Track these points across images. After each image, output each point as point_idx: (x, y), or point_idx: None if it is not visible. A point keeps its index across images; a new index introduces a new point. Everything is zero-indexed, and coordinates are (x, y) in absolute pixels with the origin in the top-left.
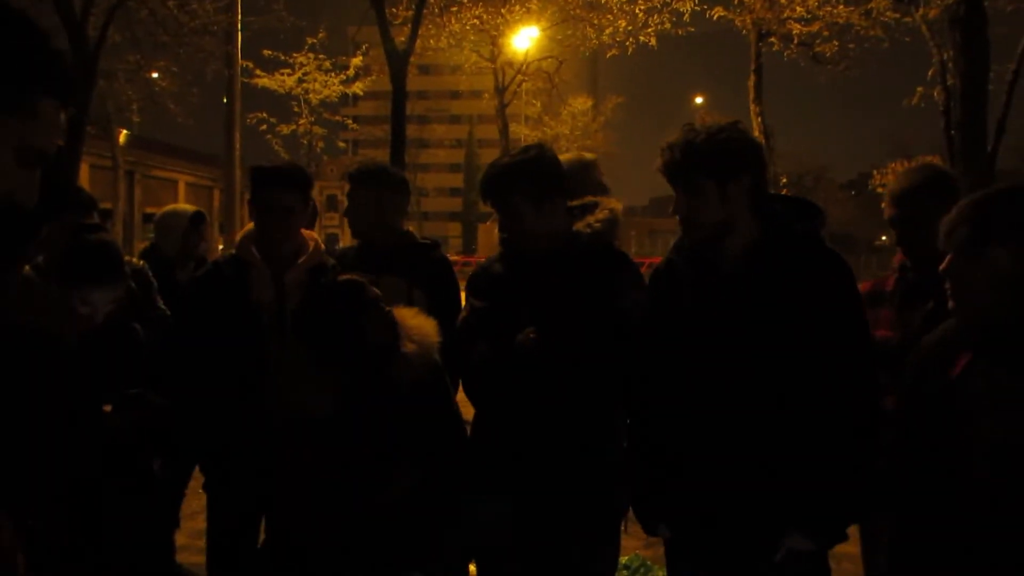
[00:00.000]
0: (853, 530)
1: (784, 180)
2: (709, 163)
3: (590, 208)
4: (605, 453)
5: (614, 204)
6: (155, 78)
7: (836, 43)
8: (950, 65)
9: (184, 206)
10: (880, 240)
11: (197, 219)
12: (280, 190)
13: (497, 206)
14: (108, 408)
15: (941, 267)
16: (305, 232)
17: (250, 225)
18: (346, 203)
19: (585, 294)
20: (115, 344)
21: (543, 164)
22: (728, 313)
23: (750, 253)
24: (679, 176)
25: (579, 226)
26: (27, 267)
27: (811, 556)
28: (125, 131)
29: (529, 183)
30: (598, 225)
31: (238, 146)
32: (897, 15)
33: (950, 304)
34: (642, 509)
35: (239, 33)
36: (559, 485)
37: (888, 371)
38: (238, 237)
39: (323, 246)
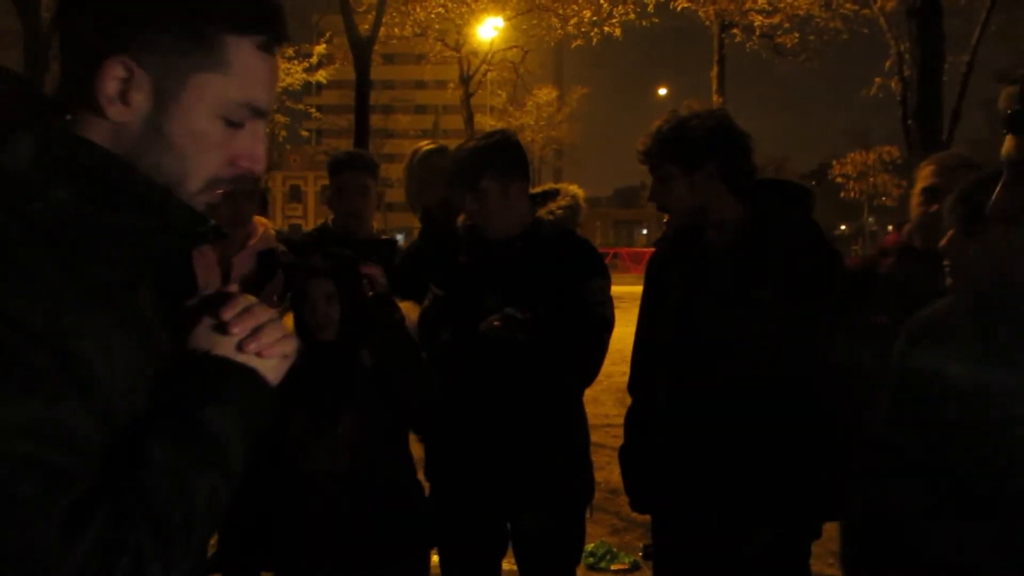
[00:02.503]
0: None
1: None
2: (673, 150)
3: (551, 195)
4: (569, 438)
5: (575, 191)
6: None
7: (797, 35)
8: (907, 56)
9: None
10: (840, 229)
11: None
12: None
13: (465, 189)
14: None
15: (941, 243)
16: (257, 218)
17: None
18: (310, 193)
19: (548, 281)
20: None
21: (509, 148)
22: (713, 301)
23: (737, 240)
24: (649, 163)
25: (541, 213)
26: None
27: (785, 548)
28: None
29: (496, 166)
30: (560, 212)
31: None
32: (856, 7)
33: (948, 282)
34: (632, 493)
35: None
36: (523, 470)
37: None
38: None
39: (272, 232)
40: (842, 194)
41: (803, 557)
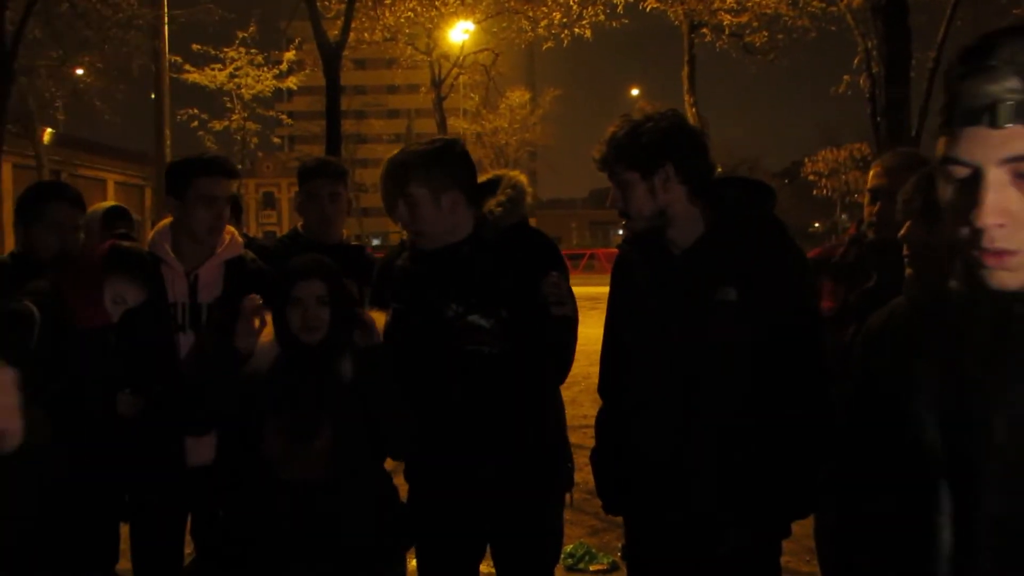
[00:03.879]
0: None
1: (719, 170)
2: (629, 155)
3: (491, 188)
4: (545, 435)
5: (517, 177)
6: (79, 75)
7: (766, 33)
8: (874, 53)
9: (99, 204)
10: (813, 227)
11: (111, 215)
12: (220, 180)
13: (397, 196)
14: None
15: (900, 233)
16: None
17: (166, 220)
18: (283, 199)
19: (504, 282)
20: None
21: (445, 155)
22: (678, 303)
23: (699, 240)
24: (606, 170)
25: (483, 211)
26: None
27: (757, 547)
28: (50, 130)
29: (427, 173)
30: (499, 210)
31: (168, 143)
32: (823, 4)
33: (907, 271)
34: (604, 496)
35: (165, 27)
36: (499, 471)
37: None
38: (150, 233)
39: (240, 239)
40: (815, 192)
41: (774, 555)
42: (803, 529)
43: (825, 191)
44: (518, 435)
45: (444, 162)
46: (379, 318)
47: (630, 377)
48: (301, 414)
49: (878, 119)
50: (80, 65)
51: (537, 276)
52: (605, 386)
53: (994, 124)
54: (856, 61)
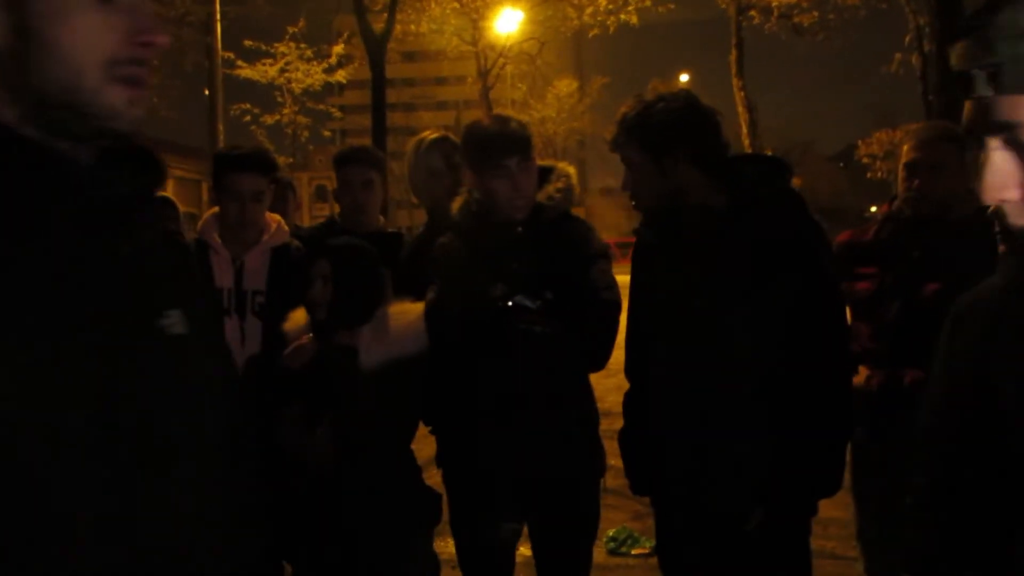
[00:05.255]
0: (843, 495)
1: (769, 152)
2: (640, 138)
3: (544, 175)
4: (580, 420)
5: (569, 170)
6: None
7: (815, 13)
8: (926, 30)
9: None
10: (869, 212)
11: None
12: (251, 176)
13: (486, 168)
14: None
15: (990, 209)
16: (268, 214)
17: (214, 209)
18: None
19: (553, 266)
20: None
21: (523, 128)
22: (695, 283)
23: (715, 220)
24: (618, 150)
25: (540, 197)
26: None
27: (783, 525)
28: None
29: (517, 144)
30: (558, 195)
31: (222, 138)
32: None
33: (1000, 248)
34: (632, 476)
35: (218, 23)
36: (535, 455)
37: (866, 320)
38: (200, 221)
39: (287, 227)
40: (869, 175)
41: (802, 533)
42: (851, 514)
43: (880, 173)
44: (561, 417)
45: (525, 133)
46: (406, 307)
47: (653, 357)
48: (305, 400)
49: (930, 98)
50: None
51: (585, 262)
52: (631, 367)
53: None
54: (907, 39)
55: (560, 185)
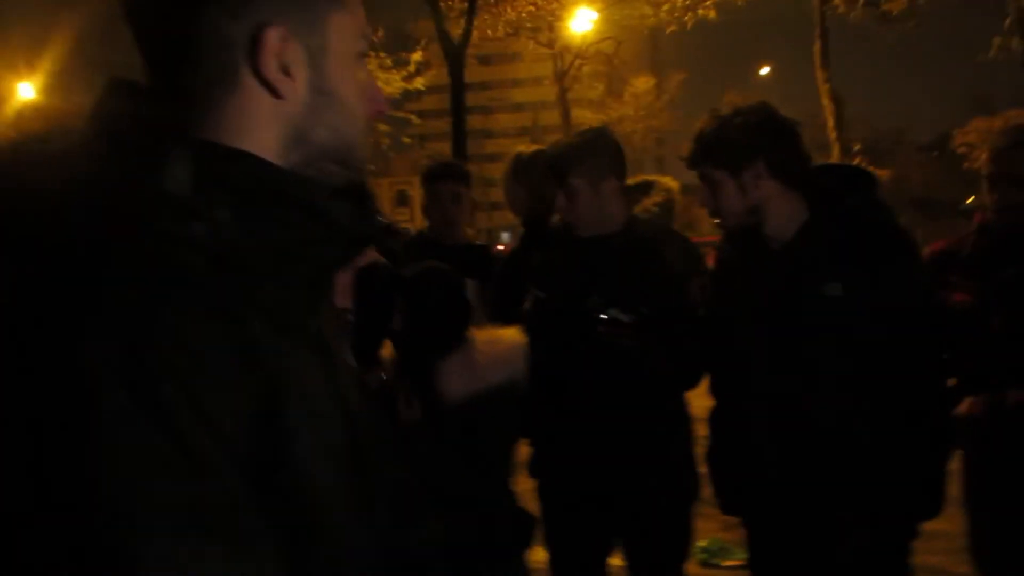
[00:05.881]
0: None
1: (857, 147)
2: (716, 154)
3: (645, 189)
4: (674, 435)
5: (670, 184)
6: None
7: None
8: None
9: None
10: (966, 203)
11: None
12: None
13: (556, 186)
14: None
15: None
16: None
17: None
18: (416, 196)
19: (649, 281)
20: None
21: (600, 145)
22: (782, 300)
23: (798, 234)
24: (695, 168)
25: (636, 210)
26: None
27: (883, 548)
28: None
29: (586, 163)
30: (655, 209)
31: None
32: None
33: None
34: (721, 496)
35: None
36: (630, 468)
37: (964, 334)
38: None
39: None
40: (965, 164)
41: (901, 557)
42: (957, 527)
43: (978, 163)
44: (652, 432)
45: (599, 150)
46: (497, 334)
47: (741, 376)
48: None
49: None
50: None
51: (681, 278)
52: (717, 385)
53: None
54: (1007, 22)
55: (658, 199)
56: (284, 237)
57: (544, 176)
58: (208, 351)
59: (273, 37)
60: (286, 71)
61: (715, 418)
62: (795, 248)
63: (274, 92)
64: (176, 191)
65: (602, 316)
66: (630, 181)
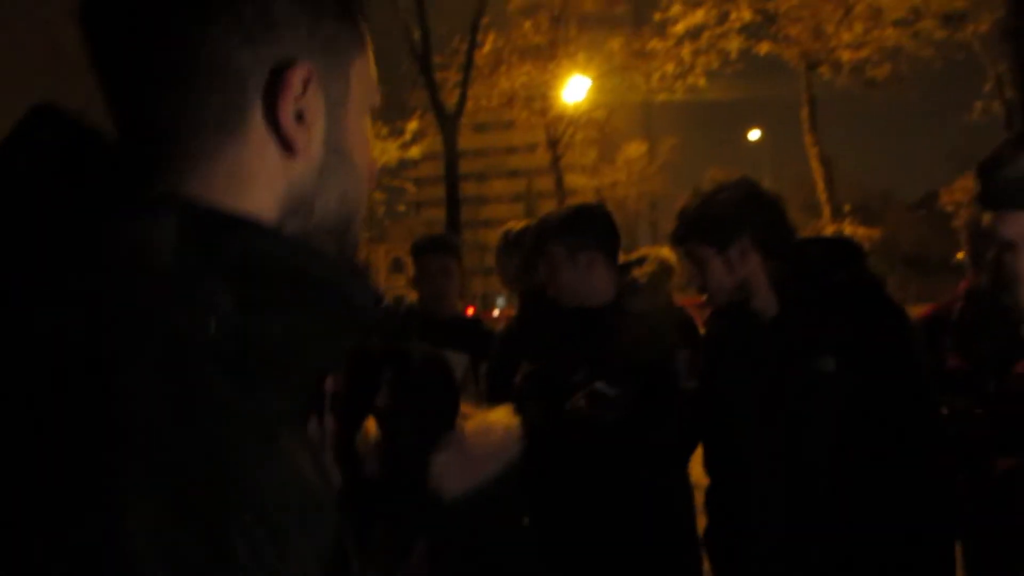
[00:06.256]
0: None
1: (848, 208)
2: (702, 230)
3: (639, 262)
4: (671, 514)
5: (664, 254)
6: None
7: (887, 66)
8: (1007, 77)
9: None
10: (956, 259)
11: None
12: None
13: (539, 257)
14: None
15: None
16: None
17: None
18: (411, 264)
19: (638, 354)
20: None
21: (583, 217)
22: (773, 377)
23: (787, 309)
24: (680, 246)
25: (638, 277)
26: None
27: None
28: None
29: (564, 231)
30: (644, 279)
31: None
32: (947, 33)
33: None
34: (719, 572)
35: None
36: (623, 548)
37: (963, 397)
38: None
39: None
40: (954, 222)
41: None
42: None
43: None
44: (649, 510)
45: (581, 221)
46: (489, 420)
47: (735, 453)
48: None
49: None
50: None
51: (669, 351)
52: (710, 462)
53: None
54: (987, 87)
55: (648, 269)
56: (302, 328)
57: (533, 249)
58: (271, 482)
59: (297, 77)
60: (302, 121)
61: (711, 496)
62: (785, 323)
63: (287, 145)
64: (156, 265)
65: (590, 390)
66: (630, 257)
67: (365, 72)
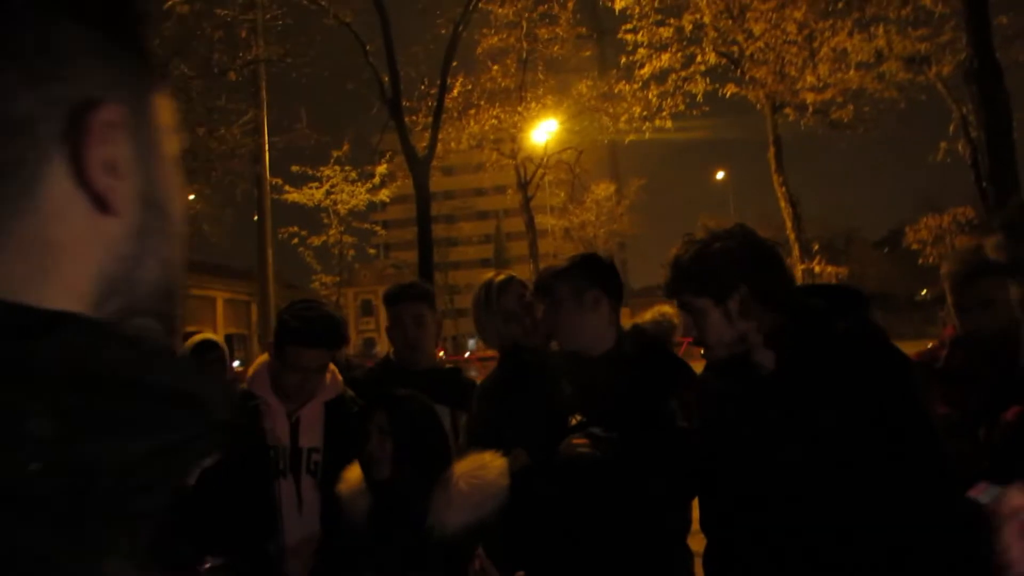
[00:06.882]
0: None
1: (816, 247)
2: (698, 281)
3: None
4: (669, 564)
5: (665, 309)
6: (189, 201)
7: (851, 107)
8: (971, 118)
9: (199, 335)
10: (920, 295)
11: (201, 349)
12: (317, 352)
13: (543, 301)
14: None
15: None
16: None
17: (263, 356)
18: (380, 306)
19: (634, 400)
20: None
21: (590, 261)
22: (774, 431)
23: (789, 361)
24: (673, 296)
25: (645, 324)
26: None
27: None
28: None
29: (572, 274)
30: (645, 325)
31: (271, 261)
32: (910, 75)
33: None
34: None
35: (267, 153)
36: None
37: (956, 443)
38: (251, 370)
39: (340, 377)
40: (920, 260)
41: None
42: None
43: (931, 259)
44: (633, 556)
45: (589, 265)
46: (482, 461)
47: (732, 510)
48: (384, 567)
49: (984, 184)
50: (189, 192)
51: (664, 396)
52: (707, 521)
53: None
54: (952, 127)
55: (648, 317)
56: (141, 450)
57: (539, 288)
58: None
59: (103, 119)
60: (114, 172)
61: (709, 557)
62: (785, 376)
63: (99, 202)
64: None
65: (585, 433)
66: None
67: (167, 116)
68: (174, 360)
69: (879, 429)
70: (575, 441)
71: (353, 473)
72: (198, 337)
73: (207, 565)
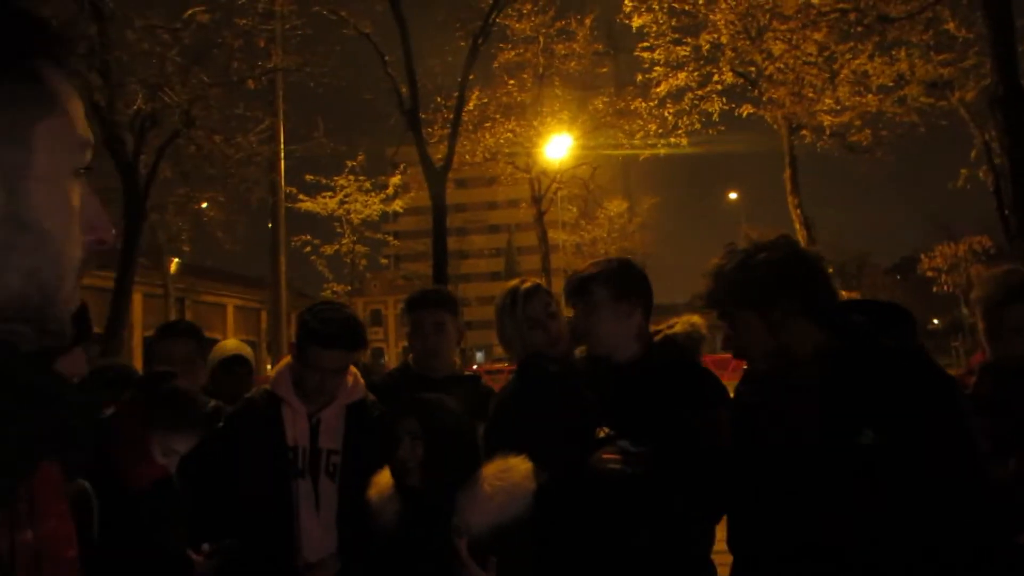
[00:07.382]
0: None
1: (831, 270)
2: (742, 292)
3: (670, 327)
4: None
5: (694, 319)
6: (204, 208)
7: (869, 131)
8: (994, 145)
9: (229, 346)
10: (933, 324)
11: (230, 363)
12: (337, 353)
13: (577, 304)
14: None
15: None
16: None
17: (287, 358)
18: (390, 316)
19: (663, 412)
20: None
21: (624, 269)
22: (811, 449)
23: (831, 378)
24: (716, 308)
25: (656, 339)
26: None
27: None
28: (176, 260)
29: (607, 278)
30: (677, 336)
31: (283, 269)
32: (931, 100)
33: None
34: None
35: (282, 162)
36: None
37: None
38: (274, 371)
39: (362, 380)
40: (935, 288)
41: None
42: None
43: (946, 287)
44: (664, 565)
45: (626, 272)
46: (509, 464)
47: (765, 530)
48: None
49: (1006, 212)
50: (204, 200)
51: (693, 410)
52: (735, 539)
53: None
54: (974, 154)
55: (677, 328)
56: None
57: (575, 290)
58: None
59: None
60: None
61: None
62: (826, 392)
63: None
64: None
65: (619, 448)
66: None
67: (60, 133)
68: (23, 359)
69: (924, 451)
70: (606, 456)
71: (383, 478)
72: (229, 352)
73: (204, 548)
